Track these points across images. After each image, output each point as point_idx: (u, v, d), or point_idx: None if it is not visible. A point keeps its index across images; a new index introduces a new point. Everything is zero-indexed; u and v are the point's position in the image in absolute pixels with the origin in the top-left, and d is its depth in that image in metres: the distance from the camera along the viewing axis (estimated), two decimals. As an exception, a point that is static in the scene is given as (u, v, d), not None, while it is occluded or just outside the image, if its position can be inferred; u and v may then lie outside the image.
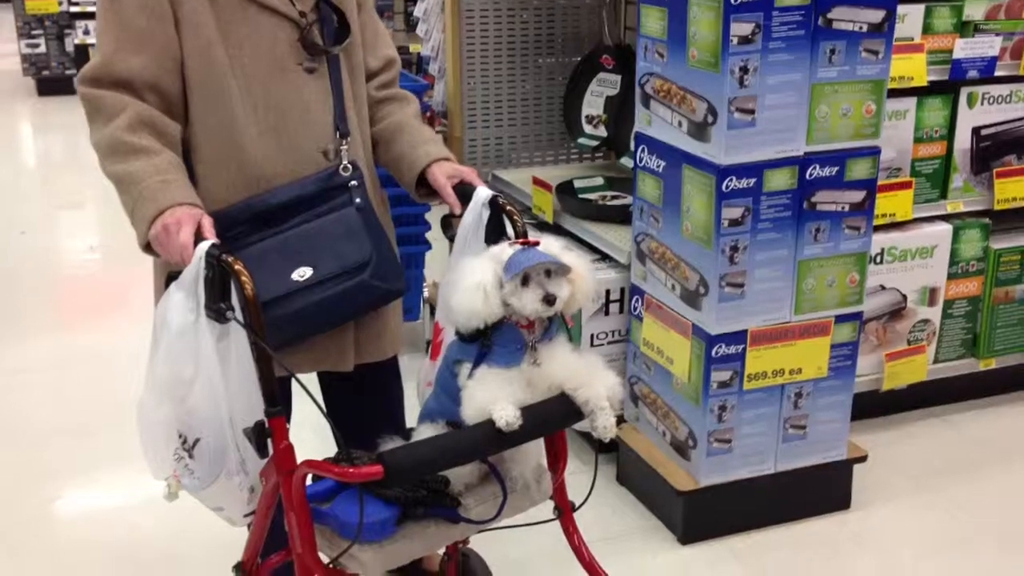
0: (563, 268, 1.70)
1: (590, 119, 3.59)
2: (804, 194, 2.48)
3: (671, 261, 2.61)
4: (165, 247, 1.72)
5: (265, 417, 1.65)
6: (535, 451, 1.90)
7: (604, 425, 1.66)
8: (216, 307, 1.66)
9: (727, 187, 2.39)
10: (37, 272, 4.82)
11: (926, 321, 3.15)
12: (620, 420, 2.95)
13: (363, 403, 2.18)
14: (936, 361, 3.22)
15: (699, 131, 2.44)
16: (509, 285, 1.67)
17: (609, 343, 2.93)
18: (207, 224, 1.73)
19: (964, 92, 3.03)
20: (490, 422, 1.61)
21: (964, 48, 2.93)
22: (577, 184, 3.28)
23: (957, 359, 3.26)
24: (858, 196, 2.54)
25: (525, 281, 1.67)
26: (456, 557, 2.32)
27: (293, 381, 2.03)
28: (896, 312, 3.10)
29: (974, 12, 2.98)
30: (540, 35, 3.67)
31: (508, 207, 1.99)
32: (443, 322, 2.04)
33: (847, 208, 2.54)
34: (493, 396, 1.65)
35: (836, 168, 2.49)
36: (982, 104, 3.06)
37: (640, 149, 2.68)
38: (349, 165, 1.97)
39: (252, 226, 1.90)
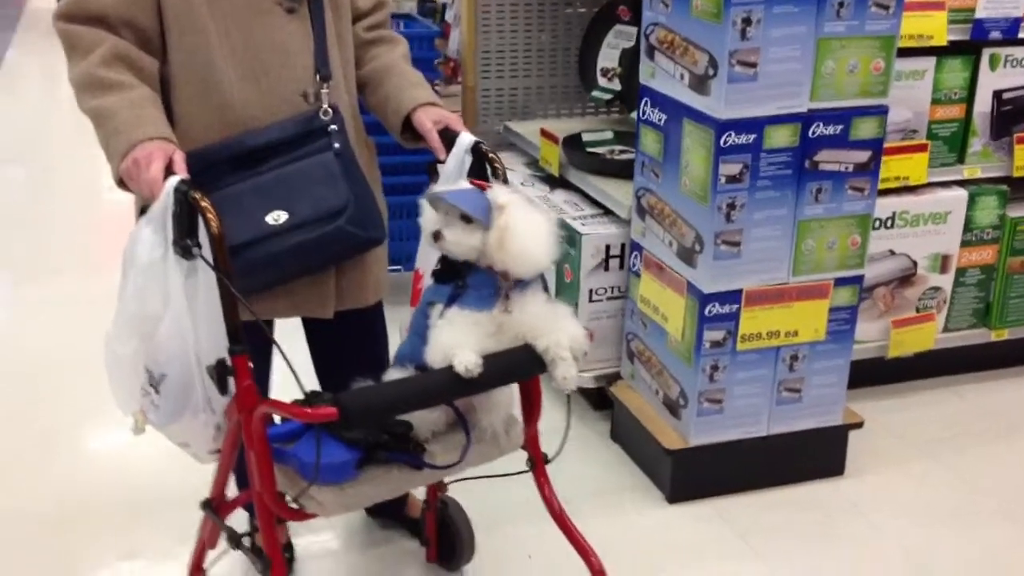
0: (476, 220, 1.67)
1: (605, 72, 3.53)
2: (806, 152, 2.42)
3: (669, 217, 2.56)
4: (136, 181, 1.72)
5: (228, 355, 1.65)
6: (506, 400, 1.88)
7: (563, 375, 1.64)
8: (183, 243, 1.65)
9: (725, 142, 2.34)
10: (65, 210, 4.86)
11: (936, 289, 3.07)
12: (616, 377, 2.93)
13: (345, 348, 2.17)
14: (946, 330, 3.15)
15: (700, 84, 2.38)
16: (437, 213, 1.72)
17: (608, 299, 2.90)
18: (178, 159, 1.72)
19: (986, 53, 2.93)
20: (451, 368, 1.59)
21: (987, 7, 2.83)
22: (585, 137, 3.23)
23: (968, 329, 3.18)
24: (863, 156, 2.47)
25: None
26: (435, 504, 2.33)
27: (276, 323, 2.04)
28: (905, 278, 3.03)
29: (1000, -30, 2.87)
30: (558, -16, 3.60)
31: (490, 154, 1.95)
32: (423, 269, 2.03)
33: (851, 168, 2.47)
34: (457, 340, 1.64)
35: (841, 127, 2.42)
36: (1004, 66, 2.95)
37: (643, 102, 2.63)
38: (329, 109, 1.93)
39: (229, 167, 1.87)
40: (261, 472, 1.67)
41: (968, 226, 3.03)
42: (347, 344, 2.17)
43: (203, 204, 1.63)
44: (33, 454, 2.85)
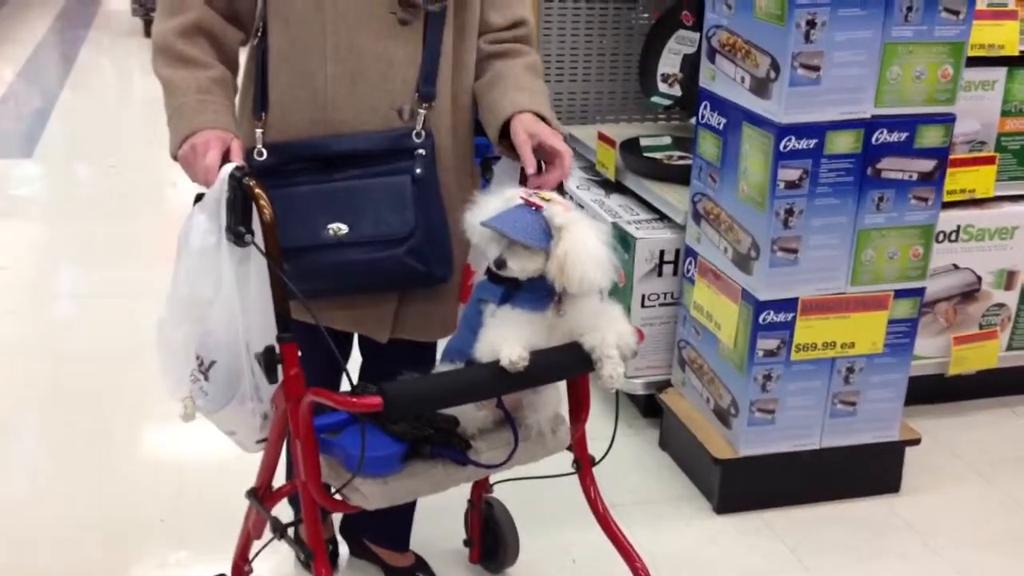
0: (533, 249, 1.63)
1: (666, 77, 3.49)
2: (869, 159, 2.37)
3: (725, 223, 2.52)
4: (192, 167, 1.72)
5: (277, 343, 1.65)
6: (553, 399, 1.86)
7: (609, 374, 1.61)
8: (236, 230, 1.65)
9: (785, 147, 2.30)
10: (132, 205, 4.93)
11: (1001, 305, 2.99)
12: (667, 384, 2.89)
13: (392, 366, 2.09)
14: (1011, 348, 3.06)
15: (761, 87, 2.34)
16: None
17: (661, 305, 2.86)
18: (235, 148, 1.73)
19: (1060, 64, 2.85)
20: (497, 362, 1.58)
21: (1062, 17, 2.75)
22: (643, 142, 3.20)
23: (1033, 348, 3.10)
24: (928, 165, 2.42)
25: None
26: (480, 505, 2.31)
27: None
28: (969, 294, 2.96)
29: (1077, -22, 2.79)
30: (622, -13, 3.58)
31: (545, 151, 1.93)
32: (474, 265, 2.01)
33: (915, 177, 2.42)
34: (506, 336, 1.62)
35: (906, 134, 2.37)
36: (1079, 78, 2.87)
37: (702, 105, 2.60)
38: (423, 131, 1.84)
39: (307, 166, 1.84)
40: (307, 462, 1.67)
41: (1036, 242, 2.95)
42: (394, 363, 2.09)
43: (256, 191, 1.63)
44: (87, 441, 2.89)
